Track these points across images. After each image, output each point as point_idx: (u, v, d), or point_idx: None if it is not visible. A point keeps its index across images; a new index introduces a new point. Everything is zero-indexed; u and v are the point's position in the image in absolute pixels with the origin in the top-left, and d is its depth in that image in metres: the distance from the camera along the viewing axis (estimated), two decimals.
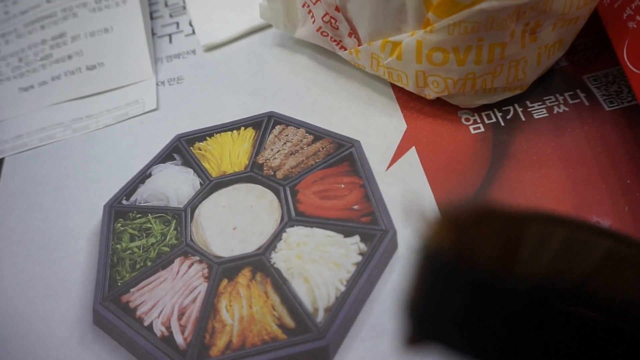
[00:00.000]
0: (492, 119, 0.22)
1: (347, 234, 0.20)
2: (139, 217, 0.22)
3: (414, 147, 0.22)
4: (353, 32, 0.22)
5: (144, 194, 0.23)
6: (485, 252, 0.13)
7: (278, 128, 0.24)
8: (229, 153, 0.23)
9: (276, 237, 0.20)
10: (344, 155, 0.22)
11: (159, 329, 0.19)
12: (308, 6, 0.23)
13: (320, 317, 0.18)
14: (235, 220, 0.21)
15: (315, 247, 0.20)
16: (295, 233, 0.20)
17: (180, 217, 0.22)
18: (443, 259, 0.12)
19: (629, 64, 0.19)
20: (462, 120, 0.22)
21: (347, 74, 0.25)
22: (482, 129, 0.22)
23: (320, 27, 0.23)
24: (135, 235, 0.21)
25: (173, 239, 0.21)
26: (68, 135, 0.26)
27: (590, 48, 0.23)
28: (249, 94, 0.25)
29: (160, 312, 0.19)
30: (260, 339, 0.18)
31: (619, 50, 0.20)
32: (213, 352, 0.18)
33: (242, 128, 0.24)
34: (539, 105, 0.22)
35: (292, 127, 0.24)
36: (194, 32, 0.29)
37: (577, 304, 0.15)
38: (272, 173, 0.22)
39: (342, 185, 0.21)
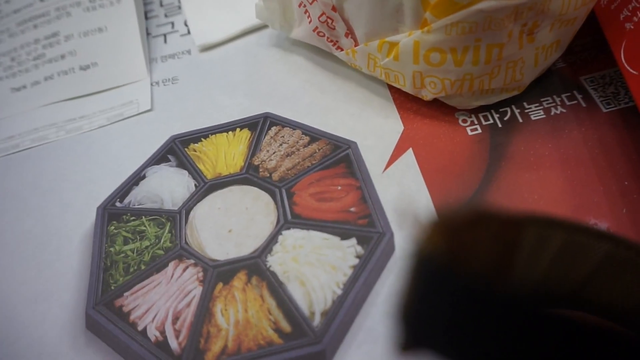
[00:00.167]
0: (489, 120, 0.22)
1: (344, 236, 0.20)
2: (133, 220, 0.22)
3: (411, 149, 0.22)
4: (350, 32, 0.22)
5: (138, 196, 0.22)
6: (481, 256, 0.12)
7: (274, 129, 0.24)
8: (225, 154, 0.23)
9: (272, 239, 0.20)
10: (340, 157, 0.22)
11: (153, 333, 0.19)
12: (304, 6, 0.23)
13: (316, 321, 0.18)
14: (231, 223, 0.21)
15: (312, 249, 0.19)
16: (292, 236, 0.20)
17: (175, 219, 0.21)
18: (437, 264, 0.11)
19: (626, 65, 0.19)
20: (459, 121, 0.22)
21: (344, 75, 0.25)
22: (480, 131, 0.22)
23: (316, 27, 0.23)
24: (129, 238, 0.21)
25: (167, 242, 0.21)
26: (61, 136, 0.26)
27: (587, 49, 0.23)
28: (244, 95, 0.25)
29: (155, 316, 0.19)
30: (256, 344, 0.18)
31: (616, 51, 0.20)
32: (208, 357, 0.18)
33: (238, 129, 0.24)
34: (536, 106, 0.22)
35: (288, 128, 0.23)
36: (189, 32, 0.29)
37: (576, 308, 0.15)
38: (268, 175, 0.22)
39: (339, 187, 0.21)
